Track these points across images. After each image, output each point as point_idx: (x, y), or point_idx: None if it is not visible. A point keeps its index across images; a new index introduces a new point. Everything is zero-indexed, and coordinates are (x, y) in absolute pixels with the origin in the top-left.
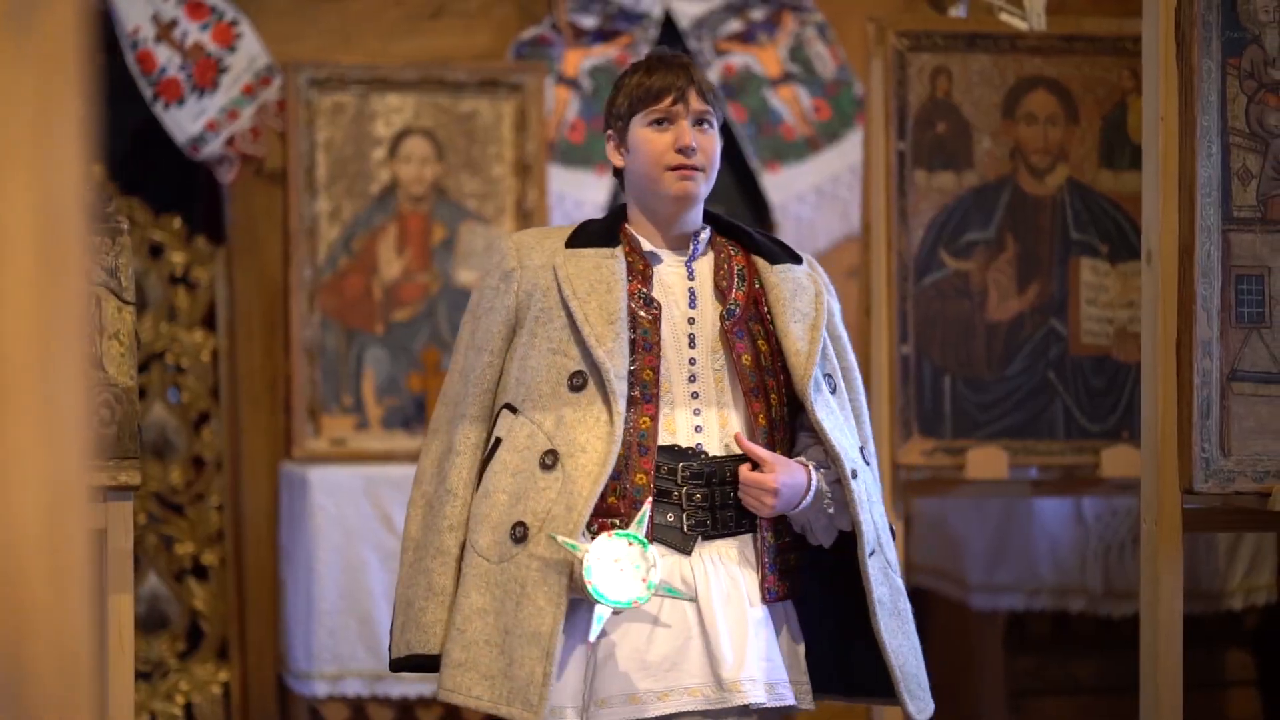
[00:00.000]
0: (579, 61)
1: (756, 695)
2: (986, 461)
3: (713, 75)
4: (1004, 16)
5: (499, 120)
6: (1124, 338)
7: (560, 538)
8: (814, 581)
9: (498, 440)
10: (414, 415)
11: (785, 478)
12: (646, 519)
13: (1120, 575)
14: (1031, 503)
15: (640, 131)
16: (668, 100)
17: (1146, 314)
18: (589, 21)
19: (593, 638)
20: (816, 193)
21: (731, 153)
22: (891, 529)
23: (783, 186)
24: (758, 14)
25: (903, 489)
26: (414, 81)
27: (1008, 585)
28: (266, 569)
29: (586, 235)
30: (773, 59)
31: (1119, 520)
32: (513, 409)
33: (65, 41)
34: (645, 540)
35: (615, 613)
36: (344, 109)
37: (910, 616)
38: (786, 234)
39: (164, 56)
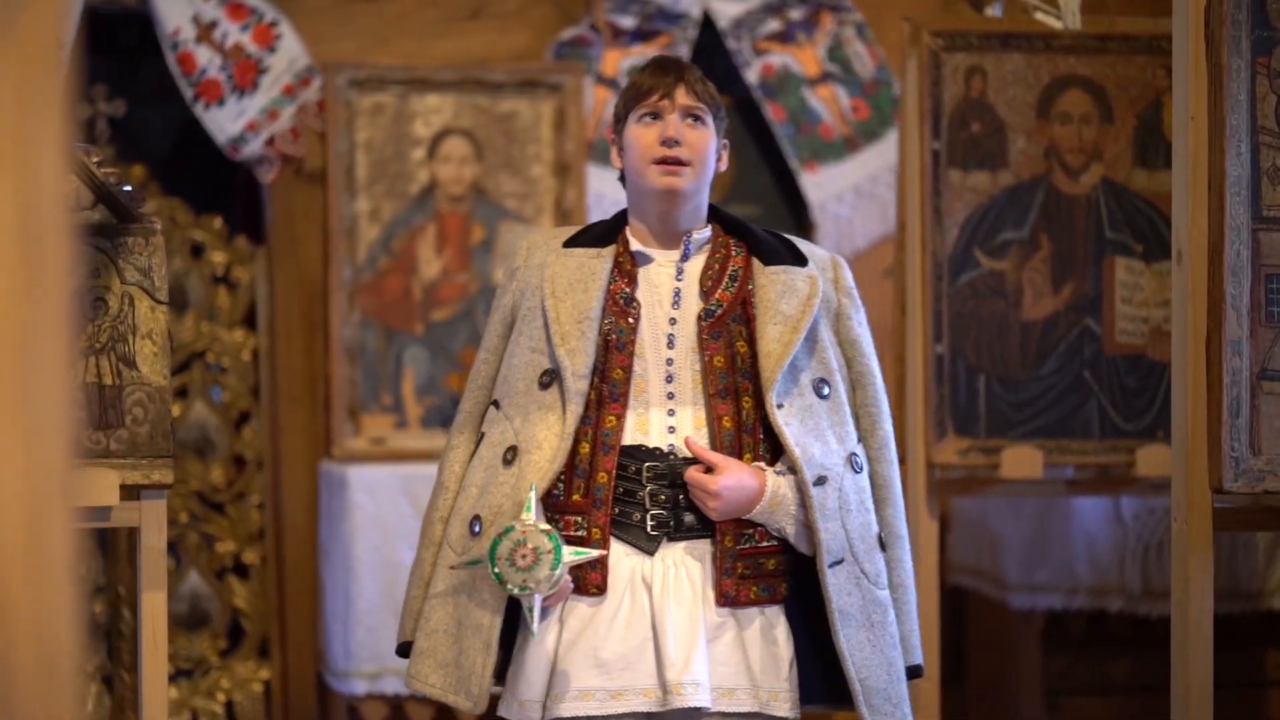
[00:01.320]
0: (618, 62)
1: (699, 699)
2: (1021, 461)
3: (751, 75)
4: (1039, 16)
5: (538, 120)
6: (1159, 337)
7: (456, 563)
8: (810, 588)
9: (483, 435)
10: (453, 415)
11: (729, 481)
12: (534, 504)
13: (1158, 575)
14: (1070, 502)
15: (631, 129)
16: (655, 96)
17: (1176, 313)
18: (627, 22)
19: (535, 629)
20: (855, 192)
21: (770, 152)
22: (882, 540)
23: (821, 186)
24: (796, 14)
25: (937, 488)
26: (453, 82)
27: (1046, 585)
28: (307, 568)
29: (585, 236)
30: (811, 59)
31: (1157, 520)
32: (497, 405)
33: (46, 42)
34: (530, 523)
35: (547, 597)
36: (383, 109)
37: (890, 631)
38: (825, 234)
39: (204, 57)
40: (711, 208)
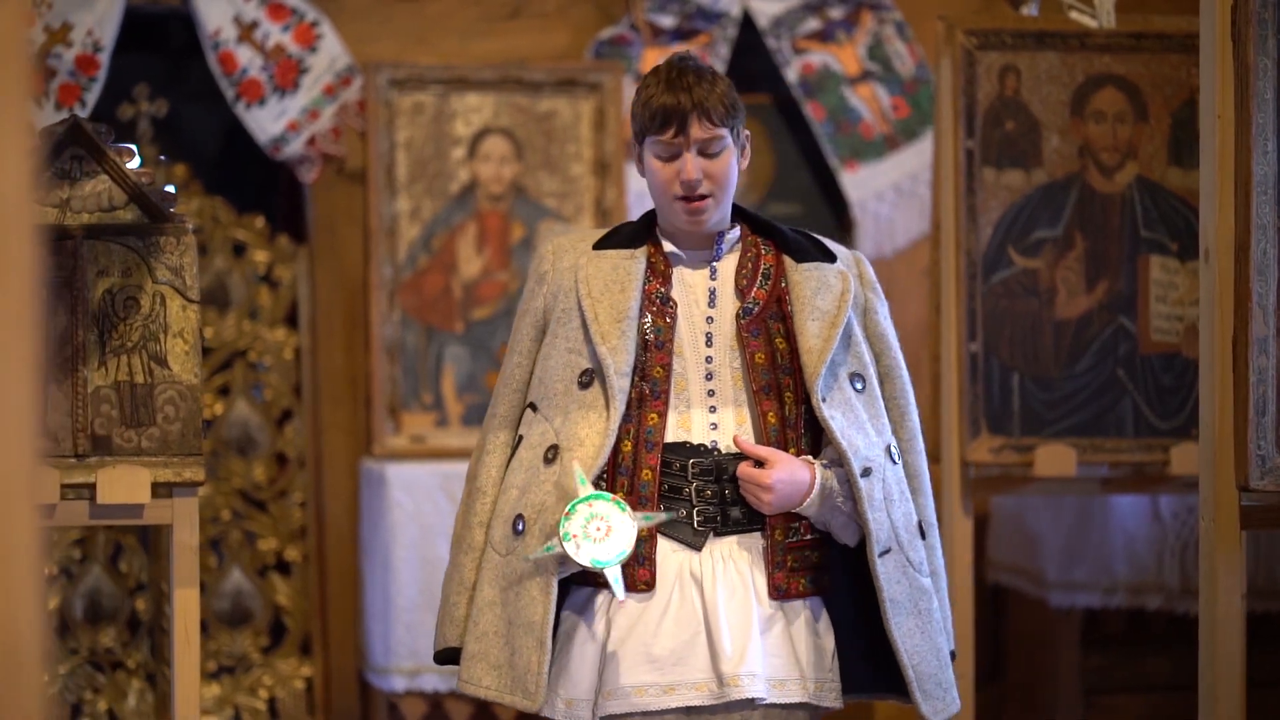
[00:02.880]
0: (657, 61)
1: (755, 690)
2: (1054, 459)
3: (791, 74)
4: (1074, 14)
5: (578, 119)
6: (1193, 335)
7: (534, 554)
8: (851, 579)
9: (520, 438)
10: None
11: (782, 474)
12: (585, 478)
13: (1197, 572)
14: (1108, 500)
15: (648, 159)
16: (669, 133)
17: (1204, 312)
18: (667, 21)
19: (620, 596)
20: (895, 191)
21: (810, 151)
22: (922, 528)
23: (861, 185)
24: (836, 12)
25: (970, 486)
26: (493, 81)
27: (1085, 583)
28: (348, 565)
29: (615, 237)
30: (851, 57)
31: (1196, 517)
32: (534, 407)
33: (8, 45)
34: (593, 494)
35: (625, 564)
36: (424, 109)
37: (935, 617)
38: (866, 232)
39: (245, 57)
40: (736, 206)
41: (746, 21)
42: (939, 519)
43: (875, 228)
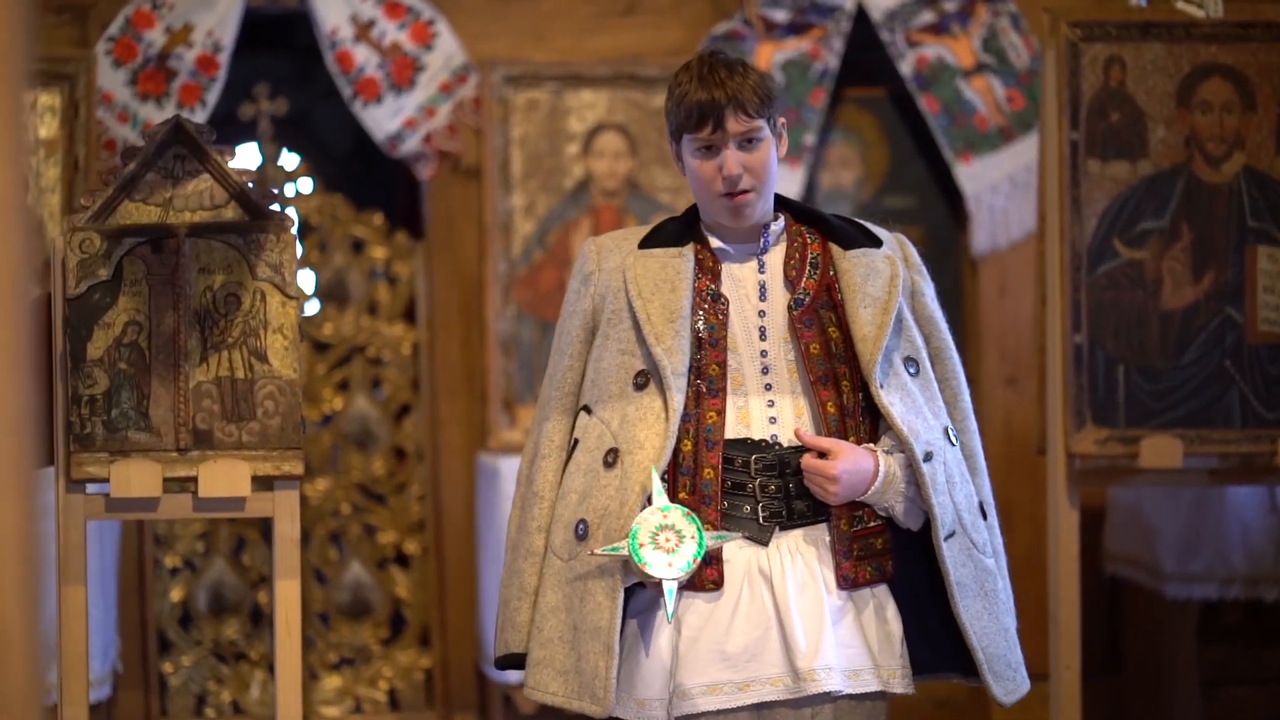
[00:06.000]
0: (771, 55)
1: (832, 683)
2: (1160, 450)
3: (905, 67)
4: (1181, 5)
5: None
6: None
7: (599, 551)
8: (917, 562)
9: (576, 441)
10: None
11: (847, 464)
12: (661, 488)
13: None
14: (1224, 491)
15: (687, 157)
16: (706, 130)
17: None
18: (780, 15)
19: (670, 615)
20: (1010, 183)
21: (925, 144)
22: (983, 509)
23: (976, 177)
24: (950, 5)
25: (1076, 478)
26: (607, 78)
27: (1201, 574)
28: (465, 557)
29: (660, 235)
30: (966, 50)
31: None
32: (588, 410)
33: (2, 45)
34: (669, 505)
35: (682, 584)
36: (538, 105)
37: (1001, 597)
38: (981, 224)
39: (362, 56)
40: (778, 196)
41: (861, 15)
42: (1045, 511)
43: (990, 220)
